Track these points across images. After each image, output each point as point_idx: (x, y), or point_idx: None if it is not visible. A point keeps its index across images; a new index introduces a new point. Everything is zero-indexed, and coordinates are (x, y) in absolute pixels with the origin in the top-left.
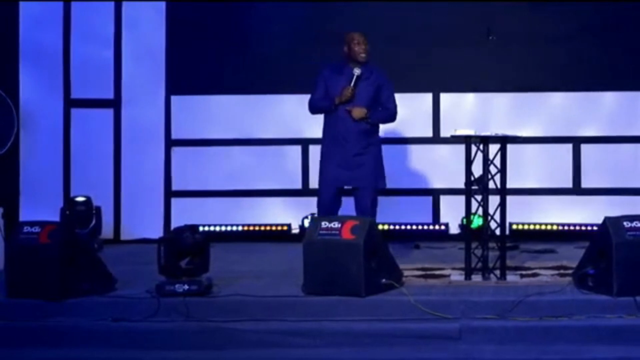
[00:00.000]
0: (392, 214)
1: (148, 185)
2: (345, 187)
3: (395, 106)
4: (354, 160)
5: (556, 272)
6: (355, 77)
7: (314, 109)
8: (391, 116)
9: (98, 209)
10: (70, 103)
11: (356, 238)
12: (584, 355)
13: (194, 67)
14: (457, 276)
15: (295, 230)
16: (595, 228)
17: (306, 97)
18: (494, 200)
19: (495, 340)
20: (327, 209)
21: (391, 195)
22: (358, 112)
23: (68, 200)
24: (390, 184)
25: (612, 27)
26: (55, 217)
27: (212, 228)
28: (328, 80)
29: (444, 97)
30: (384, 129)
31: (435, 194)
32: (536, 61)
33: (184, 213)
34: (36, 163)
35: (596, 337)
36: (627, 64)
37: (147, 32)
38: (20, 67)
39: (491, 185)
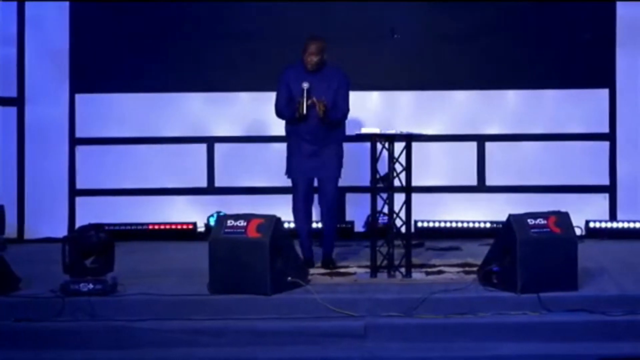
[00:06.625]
0: None
1: (52, 184)
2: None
3: (346, 104)
4: (316, 153)
5: (461, 269)
6: (305, 92)
7: (280, 115)
8: (343, 115)
9: (1, 208)
10: None
11: (262, 236)
12: (489, 352)
13: (98, 66)
14: (362, 274)
15: (201, 228)
16: (499, 225)
17: (212, 95)
18: (399, 198)
19: (400, 338)
20: (304, 198)
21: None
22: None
23: None
24: None
25: (515, 25)
26: None
27: (117, 227)
28: (291, 83)
29: None
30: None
31: (340, 192)
32: (440, 60)
33: (89, 212)
34: None
35: (500, 334)
36: (530, 62)
37: (51, 31)
38: None
39: (396, 183)
